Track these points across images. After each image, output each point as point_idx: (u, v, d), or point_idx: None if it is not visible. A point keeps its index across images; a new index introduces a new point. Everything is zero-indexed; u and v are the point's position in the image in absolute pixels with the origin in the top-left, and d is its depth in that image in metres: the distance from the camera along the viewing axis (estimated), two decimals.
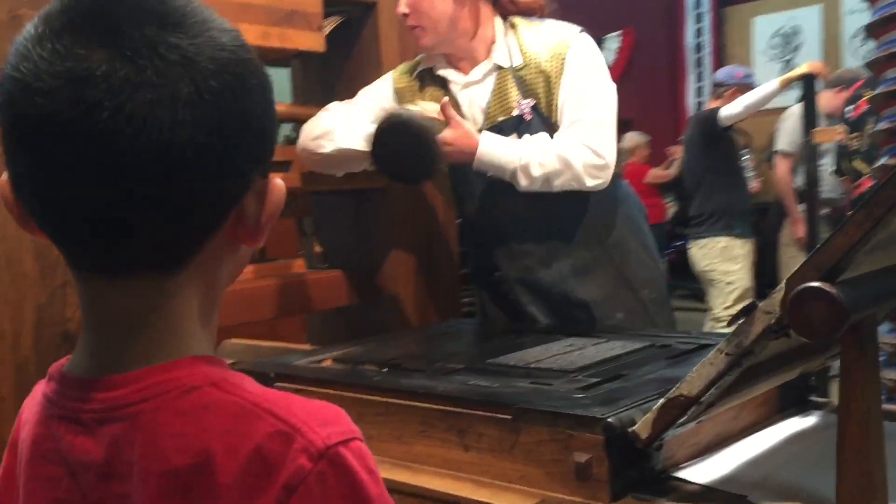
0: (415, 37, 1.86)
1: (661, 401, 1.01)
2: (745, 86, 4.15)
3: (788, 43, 8.33)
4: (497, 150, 1.74)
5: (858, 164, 3.74)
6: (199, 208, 0.59)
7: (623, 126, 8.36)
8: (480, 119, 1.86)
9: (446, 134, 1.71)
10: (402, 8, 1.82)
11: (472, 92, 1.88)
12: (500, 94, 1.84)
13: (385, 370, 1.46)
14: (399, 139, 1.68)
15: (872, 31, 2.37)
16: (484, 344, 1.69)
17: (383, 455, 1.30)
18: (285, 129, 2.25)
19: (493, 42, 1.87)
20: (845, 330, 0.91)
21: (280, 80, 2.43)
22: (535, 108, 1.81)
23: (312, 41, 2.00)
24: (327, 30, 2.08)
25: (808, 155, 3.65)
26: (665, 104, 8.96)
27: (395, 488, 1.21)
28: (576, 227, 1.88)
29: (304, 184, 2.02)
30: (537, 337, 1.68)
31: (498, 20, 1.89)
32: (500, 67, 1.85)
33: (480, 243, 1.98)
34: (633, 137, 7.50)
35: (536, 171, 1.74)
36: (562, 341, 1.59)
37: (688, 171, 4.40)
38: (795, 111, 4.16)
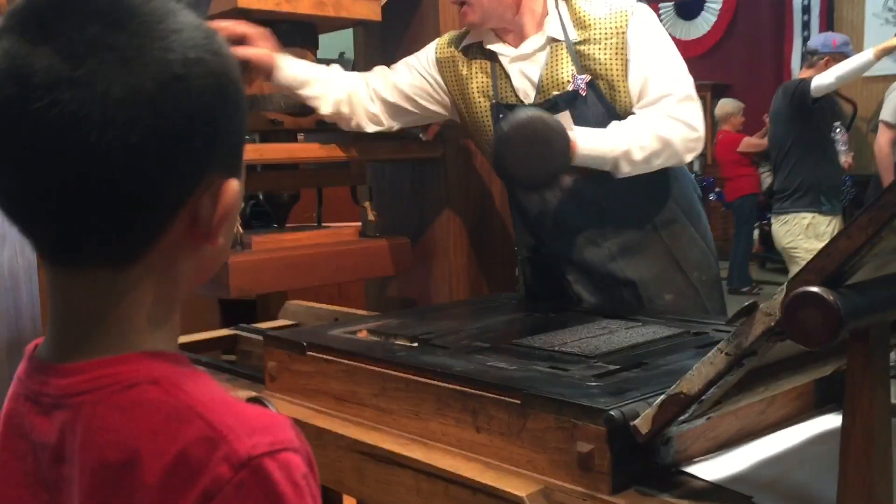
0: (461, 14, 1.83)
1: (662, 397, 0.99)
2: (841, 55, 3.93)
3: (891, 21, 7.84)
4: (596, 144, 1.69)
5: None
6: (137, 208, 0.60)
7: (720, 91, 8.10)
8: (532, 94, 1.83)
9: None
10: None
11: (524, 66, 1.84)
12: (553, 68, 1.80)
13: (413, 345, 1.48)
14: (527, 141, 1.62)
15: None
16: (519, 322, 1.68)
17: (401, 429, 1.33)
18: None
19: (544, 14, 1.83)
20: (851, 336, 0.87)
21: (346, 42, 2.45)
22: (591, 84, 1.77)
23: (368, 10, 2.01)
24: None
25: None
26: (768, 69, 8.58)
27: (407, 464, 1.24)
28: (625, 205, 1.84)
29: (358, 153, 2.04)
30: (575, 316, 1.67)
31: None
32: (554, 40, 1.81)
33: (527, 219, 1.96)
34: (725, 104, 7.23)
35: (638, 156, 1.70)
36: (596, 323, 1.57)
37: (774, 144, 4.22)
38: None
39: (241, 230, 1.91)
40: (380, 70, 2.00)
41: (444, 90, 1.94)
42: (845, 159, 4.20)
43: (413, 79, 1.95)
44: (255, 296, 4.10)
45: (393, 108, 1.96)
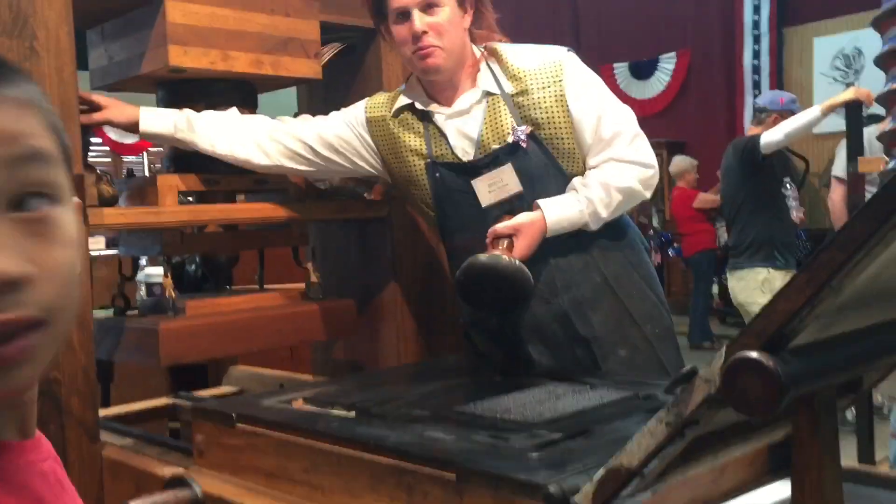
0: (422, 56, 1.75)
1: (601, 471, 0.92)
2: (788, 112, 3.99)
3: (850, 65, 8.06)
4: (563, 215, 1.72)
5: None
6: None
7: (675, 148, 8.23)
8: (471, 150, 1.78)
9: (520, 244, 1.68)
10: (420, 26, 1.72)
11: (461, 123, 1.80)
12: (492, 121, 1.76)
13: (349, 414, 1.40)
14: (489, 283, 1.66)
15: (879, 24, 2.25)
16: (463, 387, 1.61)
17: None
18: None
19: (476, 70, 1.80)
20: (793, 404, 0.82)
21: (288, 101, 2.40)
22: (531, 135, 1.74)
23: (308, 68, 1.97)
24: (326, 57, 2.05)
25: (852, 184, 3.49)
26: (721, 127, 8.74)
27: None
28: (575, 260, 1.80)
29: (299, 213, 1.98)
30: (522, 381, 1.60)
31: (474, 47, 1.83)
32: (489, 94, 1.78)
33: None
34: (679, 161, 7.33)
35: (604, 213, 1.74)
36: (542, 387, 1.50)
37: (727, 200, 4.25)
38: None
39: (173, 294, 1.83)
40: (300, 118, 1.96)
41: (374, 150, 1.90)
42: (797, 214, 4.23)
43: (341, 131, 1.90)
44: (204, 361, 4.00)
45: (314, 153, 1.90)
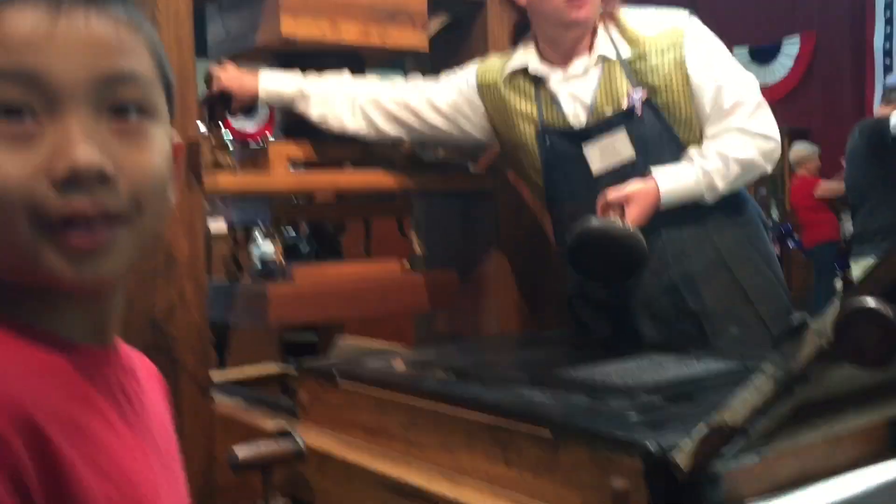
0: (577, 6, 1.70)
1: (703, 428, 0.89)
2: None
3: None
4: (678, 185, 1.67)
5: None
6: None
7: (799, 136, 7.89)
8: (583, 115, 1.75)
9: (631, 212, 1.63)
10: None
11: (574, 86, 1.76)
12: (607, 86, 1.72)
13: (446, 376, 1.41)
14: (601, 250, 1.62)
15: None
16: (564, 355, 1.59)
17: (431, 464, 1.25)
18: None
19: (593, 34, 1.76)
20: None
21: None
22: (647, 103, 1.70)
23: (416, 40, 1.98)
24: (433, 29, 2.05)
25: None
26: (848, 113, 8.30)
27: (434, 500, 1.16)
28: (688, 232, 1.74)
29: (408, 183, 2.00)
30: (626, 350, 1.57)
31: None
32: (605, 59, 1.74)
33: None
34: (800, 149, 7.00)
35: (721, 185, 1.69)
36: (646, 357, 1.47)
37: (851, 186, 4.03)
38: None
39: (283, 261, 1.88)
40: (412, 83, 1.97)
41: (484, 116, 1.88)
42: None
43: (452, 98, 1.89)
44: (316, 335, 4.11)
45: (424, 122, 1.90)
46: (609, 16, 1.77)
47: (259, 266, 2.51)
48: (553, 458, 1.06)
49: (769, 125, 1.71)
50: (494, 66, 1.89)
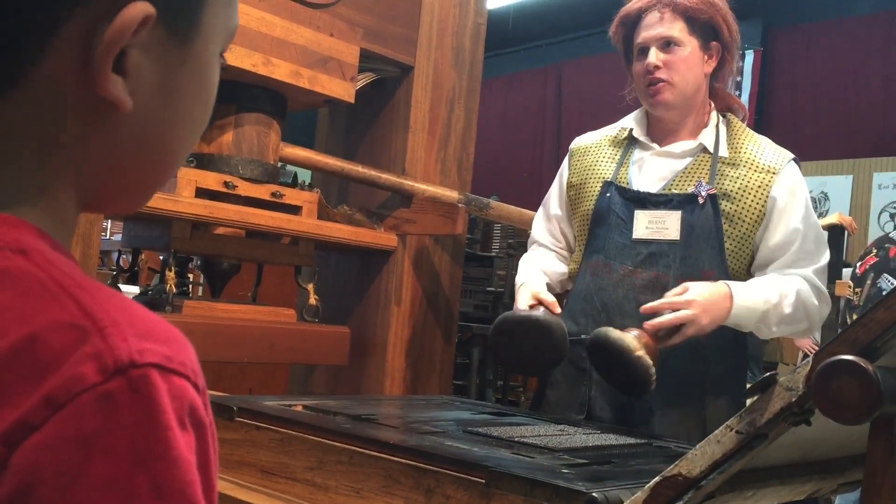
0: (651, 93, 1.73)
1: (656, 478, 0.89)
2: None
3: (816, 207, 8.36)
4: (749, 297, 1.62)
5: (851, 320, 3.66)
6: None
7: None
8: (655, 188, 1.75)
9: (699, 318, 1.55)
10: (655, 60, 1.71)
11: (663, 162, 1.77)
12: (691, 171, 1.73)
13: (355, 421, 1.34)
14: (606, 360, 1.57)
15: None
16: (468, 416, 1.56)
17: None
18: (303, 175, 2.20)
19: (702, 125, 1.77)
20: (874, 425, 0.80)
21: (308, 125, 2.40)
22: (712, 197, 1.69)
23: (343, 90, 1.98)
24: (360, 83, 2.06)
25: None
26: None
27: None
28: (681, 361, 1.67)
29: (317, 230, 1.95)
30: (524, 419, 1.56)
31: (714, 112, 1.80)
32: (704, 150, 1.75)
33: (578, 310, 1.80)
34: None
35: (787, 311, 1.64)
36: (550, 425, 1.47)
37: None
38: None
39: (173, 290, 1.77)
40: (545, 222, 1.93)
41: (566, 186, 1.86)
42: None
43: (562, 210, 1.89)
44: None
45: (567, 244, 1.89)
46: (726, 119, 1.79)
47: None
48: None
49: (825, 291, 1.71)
50: (593, 133, 1.90)
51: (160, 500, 0.40)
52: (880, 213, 7.26)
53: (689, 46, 1.72)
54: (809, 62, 7.15)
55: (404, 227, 2.17)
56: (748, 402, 0.84)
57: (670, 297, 1.57)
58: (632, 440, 1.38)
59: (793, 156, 1.76)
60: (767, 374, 0.83)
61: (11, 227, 0.47)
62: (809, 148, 7.72)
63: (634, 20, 1.76)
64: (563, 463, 1.12)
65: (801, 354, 4.78)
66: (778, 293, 1.63)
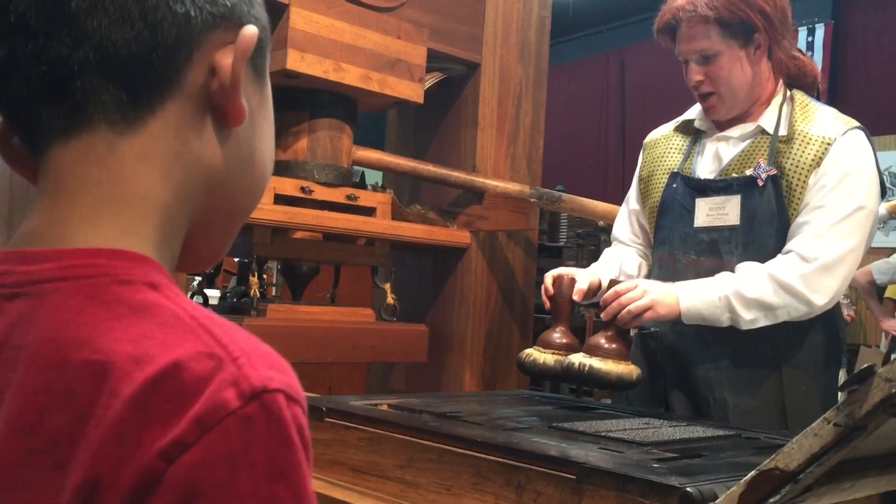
0: (705, 105, 1.72)
1: (752, 472, 0.88)
2: None
3: (892, 185, 8.06)
4: (699, 297, 1.59)
5: None
6: (153, 43, 0.51)
7: None
8: (714, 171, 1.72)
9: (647, 314, 1.57)
10: (696, 76, 1.68)
11: (721, 146, 1.74)
12: (748, 153, 1.68)
13: (442, 419, 1.37)
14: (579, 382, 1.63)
15: None
16: (551, 411, 1.57)
17: None
18: (374, 177, 2.24)
19: (764, 105, 1.72)
20: None
21: (377, 127, 2.44)
22: (773, 178, 1.63)
23: (411, 91, 2.00)
24: (428, 83, 2.08)
25: None
26: None
27: None
28: (750, 340, 1.66)
29: (390, 230, 1.98)
30: (609, 413, 1.56)
31: (780, 86, 1.73)
32: (762, 132, 1.69)
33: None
34: None
35: (744, 304, 1.57)
36: (635, 419, 1.46)
37: None
38: None
39: (257, 294, 1.82)
40: (626, 218, 1.92)
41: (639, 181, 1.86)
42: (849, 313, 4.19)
43: (638, 204, 1.88)
44: None
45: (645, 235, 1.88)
46: (790, 96, 1.72)
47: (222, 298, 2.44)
48: (576, 502, 1.03)
49: (827, 249, 1.57)
50: (666, 125, 1.89)
51: (297, 502, 0.46)
52: None
53: (728, 52, 1.65)
54: (882, 33, 6.91)
55: (477, 223, 2.18)
56: (840, 395, 0.83)
57: (624, 298, 1.57)
58: (720, 432, 1.37)
59: (856, 124, 1.66)
60: (865, 365, 0.81)
61: (138, 262, 0.51)
62: (888, 121, 7.46)
63: (672, 27, 1.71)
64: (654, 457, 1.12)
65: (884, 336, 4.64)
66: (732, 278, 1.59)
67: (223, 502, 0.43)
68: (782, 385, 1.68)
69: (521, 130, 2.28)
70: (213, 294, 2.80)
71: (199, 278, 2.02)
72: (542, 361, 1.63)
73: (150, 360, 0.45)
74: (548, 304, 1.69)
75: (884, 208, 3.80)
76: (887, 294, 4.89)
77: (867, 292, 4.54)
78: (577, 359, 1.58)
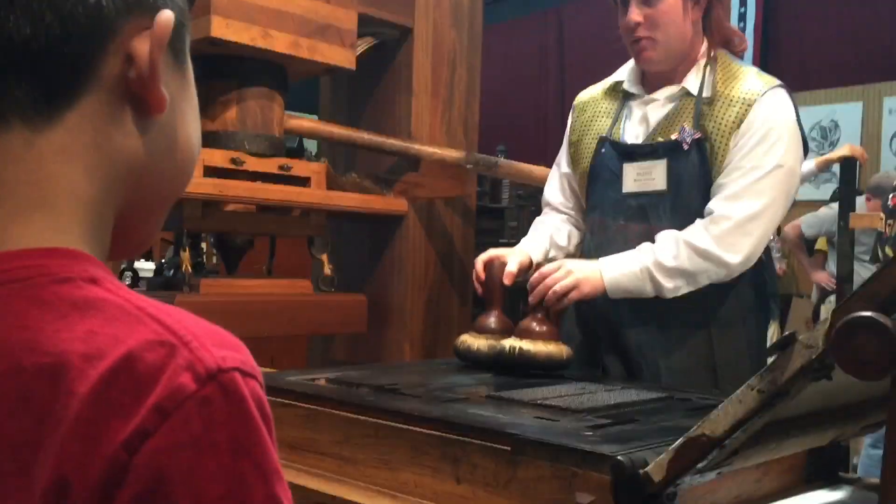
0: (637, 49, 1.69)
1: (681, 440, 0.90)
2: None
3: (826, 137, 8.26)
4: (620, 271, 1.61)
5: (889, 251, 3.64)
6: (61, 38, 0.49)
7: None
8: (641, 136, 1.72)
9: (572, 294, 1.59)
10: (636, 17, 1.66)
11: (648, 109, 1.73)
12: (673, 117, 1.69)
13: (379, 393, 1.36)
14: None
15: None
16: (489, 380, 1.58)
17: (368, 481, 1.19)
18: (310, 146, 2.20)
19: (690, 67, 1.71)
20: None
21: (309, 94, 2.39)
22: (698, 142, 1.63)
23: (343, 57, 1.96)
24: (360, 49, 2.04)
25: (842, 240, 3.56)
26: None
27: None
28: (679, 301, 1.66)
29: (326, 200, 1.95)
30: (544, 379, 1.58)
31: (704, 47, 1.73)
32: (687, 94, 1.69)
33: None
34: None
35: (664, 274, 1.59)
36: (571, 384, 1.48)
37: None
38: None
39: (189, 269, 1.78)
40: (557, 181, 1.91)
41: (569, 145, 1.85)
42: (780, 265, 4.30)
43: (569, 167, 1.86)
44: None
45: (577, 202, 1.87)
46: (713, 56, 1.71)
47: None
48: (511, 474, 1.04)
49: (741, 208, 1.60)
50: (595, 86, 1.87)
51: (263, 476, 0.47)
52: (892, 138, 7.18)
53: None
54: None
55: (413, 191, 2.16)
56: (769, 360, 0.84)
57: (549, 279, 1.59)
58: (653, 395, 1.39)
59: (777, 83, 1.67)
60: (786, 333, 0.83)
61: (74, 259, 0.50)
62: (817, 76, 7.62)
63: None
64: (588, 424, 1.14)
65: (815, 288, 4.78)
66: (651, 249, 1.61)
67: (190, 485, 0.44)
68: (711, 344, 1.71)
69: (456, 96, 2.25)
70: (147, 267, 2.73)
71: None
72: (475, 348, 1.64)
73: (103, 356, 0.45)
74: (480, 290, 1.69)
75: (813, 163, 3.90)
76: (817, 246, 5.04)
77: (796, 246, 4.67)
78: (508, 342, 1.59)
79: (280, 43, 1.84)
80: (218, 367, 0.45)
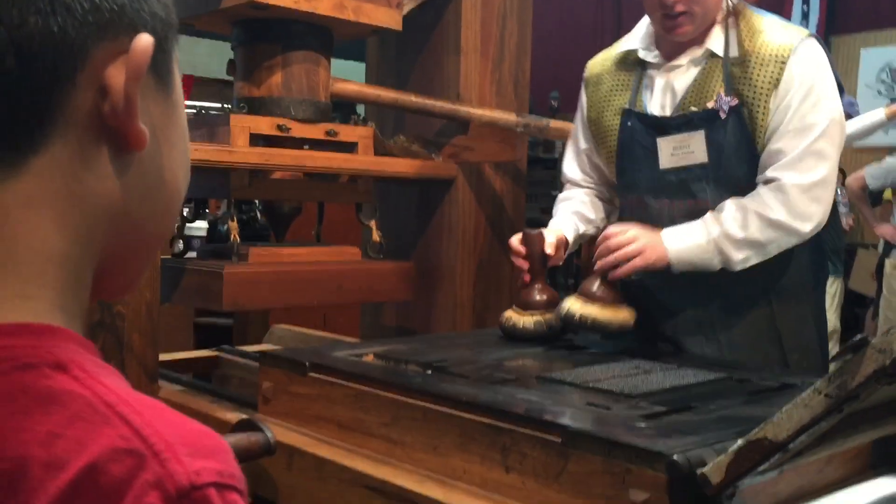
0: (672, 24, 1.58)
1: (740, 442, 0.86)
2: (847, 114, 3.90)
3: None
4: (686, 243, 1.55)
5: None
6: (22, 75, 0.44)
7: None
8: (669, 107, 1.64)
9: (636, 261, 1.53)
10: None
11: (672, 77, 1.64)
12: (702, 83, 1.60)
13: (428, 372, 1.34)
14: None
15: None
16: (541, 355, 1.54)
17: (416, 465, 1.18)
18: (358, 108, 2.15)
19: (711, 26, 1.61)
20: None
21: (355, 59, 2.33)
22: (735, 109, 1.55)
23: (389, 18, 1.90)
24: (407, 8, 1.98)
25: None
26: None
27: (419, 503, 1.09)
28: (748, 314, 1.64)
29: (374, 166, 1.92)
30: (600, 355, 1.54)
31: (724, 4, 1.62)
32: (712, 55, 1.60)
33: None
34: None
35: (734, 245, 1.53)
36: (626, 362, 1.44)
37: None
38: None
39: (237, 239, 1.77)
40: (575, 157, 1.86)
41: (587, 119, 1.78)
42: (848, 220, 4.17)
43: (588, 143, 1.81)
44: (232, 319, 3.93)
45: (601, 176, 1.83)
46: (737, 11, 1.62)
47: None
48: (561, 466, 1.01)
49: (811, 175, 1.53)
50: (604, 56, 1.79)
51: None
52: None
53: None
54: None
55: (463, 154, 2.11)
56: (832, 366, 0.79)
57: (613, 242, 1.54)
58: (711, 376, 1.35)
59: (806, 33, 1.59)
60: (858, 337, 0.77)
61: (40, 337, 0.45)
62: (889, 14, 7.26)
63: None
64: (642, 413, 1.10)
65: (881, 242, 4.61)
66: (716, 220, 1.54)
67: None
68: (773, 313, 1.66)
69: (506, 54, 2.18)
70: (201, 226, 2.74)
71: (185, 210, 1.96)
72: (521, 325, 1.61)
73: (63, 466, 0.41)
74: (523, 264, 1.64)
75: (883, 113, 3.73)
76: (886, 196, 4.85)
77: (859, 198, 4.50)
78: (577, 309, 1.54)
79: (325, 5, 1.79)
80: (191, 485, 0.41)
